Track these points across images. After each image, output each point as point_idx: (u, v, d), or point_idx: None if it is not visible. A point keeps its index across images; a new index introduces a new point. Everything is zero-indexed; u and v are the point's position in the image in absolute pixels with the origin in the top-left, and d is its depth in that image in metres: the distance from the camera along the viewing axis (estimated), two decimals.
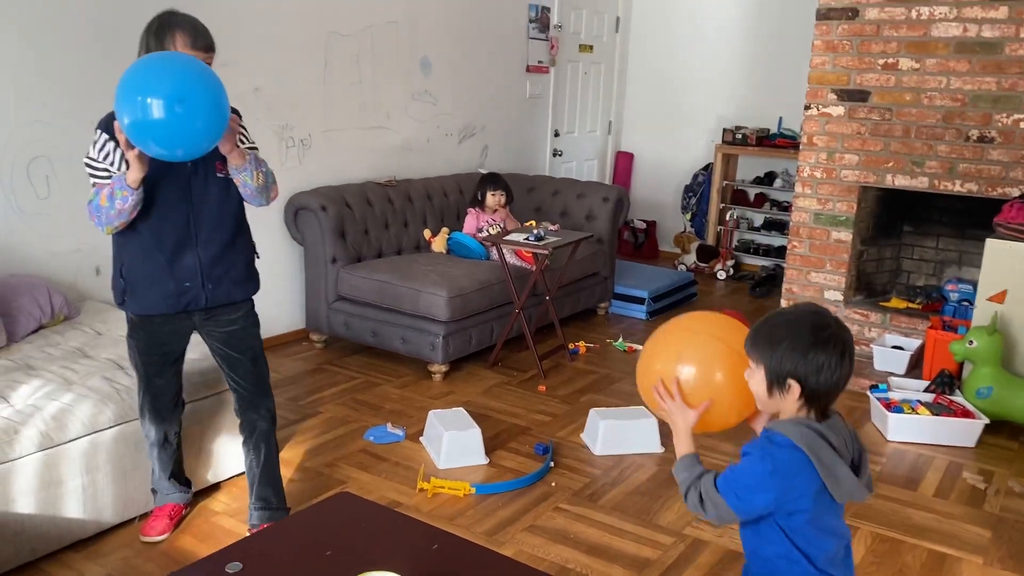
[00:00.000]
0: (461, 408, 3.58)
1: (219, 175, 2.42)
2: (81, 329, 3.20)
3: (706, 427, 1.70)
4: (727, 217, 6.85)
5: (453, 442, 3.26)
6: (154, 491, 2.75)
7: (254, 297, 2.65)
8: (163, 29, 2.29)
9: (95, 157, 2.32)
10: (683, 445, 1.66)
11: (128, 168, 2.21)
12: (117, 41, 3.57)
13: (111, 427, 2.63)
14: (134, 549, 2.64)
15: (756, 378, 1.57)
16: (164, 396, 2.61)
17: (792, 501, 1.52)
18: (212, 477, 3.01)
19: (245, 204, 2.52)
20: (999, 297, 3.89)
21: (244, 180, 2.39)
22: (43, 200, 3.46)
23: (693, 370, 1.66)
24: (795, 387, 1.52)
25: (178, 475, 2.77)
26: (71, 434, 2.52)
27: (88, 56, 3.50)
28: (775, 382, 1.54)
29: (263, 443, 2.68)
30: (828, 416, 1.58)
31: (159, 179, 2.33)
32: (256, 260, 2.64)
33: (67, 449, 2.52)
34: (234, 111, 2.46)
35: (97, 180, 2.32)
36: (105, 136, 2.30)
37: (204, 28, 2.35)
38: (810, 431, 1.52)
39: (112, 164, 2.30)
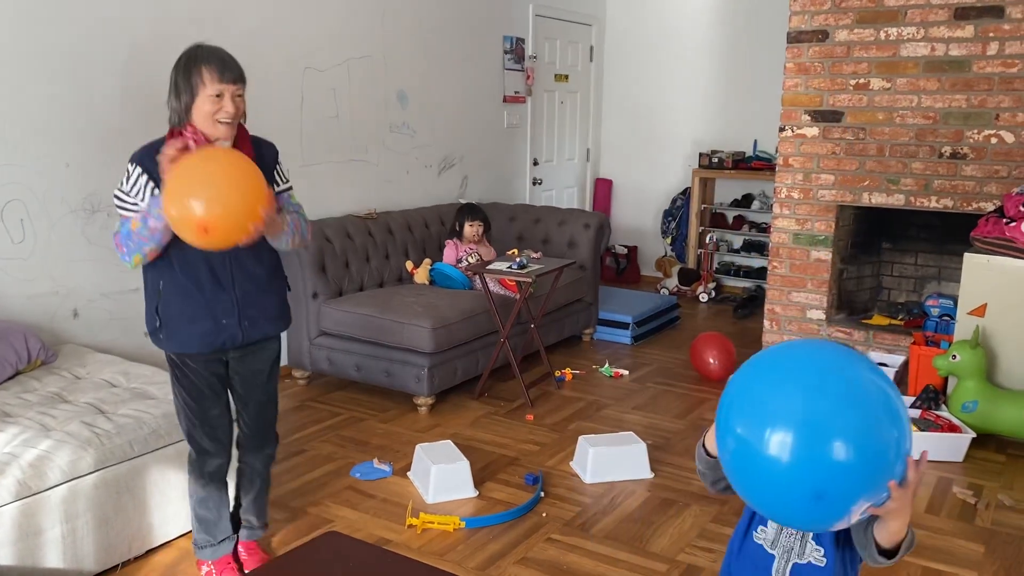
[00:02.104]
0: (448, 441, 3.54)
1: None
2: (59, 374, 3.14)
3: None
4: (707, 240, 6.89)
5: (441, 476, 3.22)
6: (208, 544, 2.62)
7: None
8: (190, 65, 2.27)
9: (126, 191, 2.30)
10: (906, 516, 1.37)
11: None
12: (89, 79, 3.56)
13: (91, 473, 2.57)
14: None
15: None
16: (221, 428, 2.55)
17: None
18: (162, 536, 2.89)
19: None
20: (979, 311, 3.92)
21: (279, 246, 2.43)
22: (18, 244, 3.41)
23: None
24: None
25: (234, 516, 2.72)
26: (50, 481, 2.47)
27: (59, 95, 3.47)
28: None
29: (258, 480, 2.70)
30: None
31: None
32: (288, 293, 2.65)
33: (46, 497, 2.46)
34: (268, 148, 2.52)
35: (124, 212, 2.30)
36: (139, 170, 2.27)
37: (232, 59, 2.32)
38: None
39: (143, 200, 2.28)
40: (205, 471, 2.55)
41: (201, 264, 2.36)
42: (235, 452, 2.70)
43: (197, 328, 2.39)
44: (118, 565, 2.70)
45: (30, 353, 3.17)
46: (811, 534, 1.46)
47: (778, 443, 1.22)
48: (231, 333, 2.43)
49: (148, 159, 2.26)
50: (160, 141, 2.30)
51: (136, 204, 2.28)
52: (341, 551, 1.86)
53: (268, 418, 2.66)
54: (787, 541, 1.50)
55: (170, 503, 2.80)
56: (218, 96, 2.26)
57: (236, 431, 2.65)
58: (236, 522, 2.73)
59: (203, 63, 2.26)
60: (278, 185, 2.47)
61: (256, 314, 2.47)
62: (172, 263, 2.35)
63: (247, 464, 2.68)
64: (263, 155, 2.44)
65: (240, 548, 2.74)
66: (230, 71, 2.29)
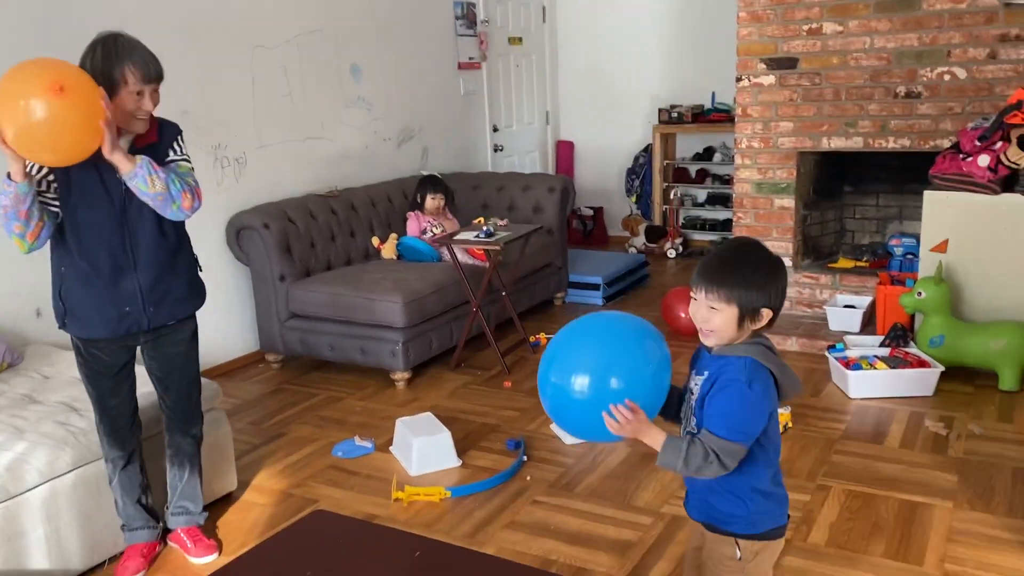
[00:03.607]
0: (429, 413, 3.54)
1: None
2: (27, 375, 3.09)
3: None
4: (671, 196, 6.91)
5: (424, 448, 3.23)
6: (124, 528, 2.67)
7: (200, 321, 2.63)
8: (110, 59, 2.21)
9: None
10: (657, 438, 1.62)
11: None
12: None
13: (70, 471, 2.55)
14: None
15: (724, 315, 1.61)
16: (120, 416, 2.55)
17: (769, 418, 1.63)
18: None
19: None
20: (941, 247, 3.98)
21: (138, 187, 2.26)
22: None
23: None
24: (767, 314, 1.62)
25: (146, 505, 2.69)
26: (28, 483, 2.44)
27: None
28: (749, 315, 1.61)
29: (187, 462, 2.71)
30: None
31: (92, 204, 2.28)
32: (200, 272, 2.61)
33: (26, 499, 2.43)
34: (169, 128, 2.42)
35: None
36: None
37: (152, 55, 2.29)
38: (765, 348, 1.64)
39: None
40: (107, 457, 2.58)
41: (100, 248, 2.32)
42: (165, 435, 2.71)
43: (100, 315, 2.38)
44: (104, 562, 2.69)
45: None
46: (694, 405, 1.69)
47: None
48: (135, 320, 2.41)
49: None
50: None
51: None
52: (329, 529, 1.86)
53: (193, 399, 2.66)
54: (685, 411, 1.74)
55: (152, 492, 2.77)
56: (139, 94, 2.25)
57: (161, 415, 2.66)
58: (156, 515, 2.72)
59: (127, 60, 2.22)
60: (168, 156, 2.40)
61: (161, 297, 2.44)
62: (70, 248, 2.32)
63: (175, 446, 2.68)
64: (164, 133, 2.42)
65: (183, 535, 2.73)
66: (154, 69, 2.28)
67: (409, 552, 1.70)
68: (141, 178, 2.25)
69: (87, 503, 2.60)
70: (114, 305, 2.37)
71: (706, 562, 1.76)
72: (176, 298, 2.48)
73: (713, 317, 1.62)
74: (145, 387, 2.75)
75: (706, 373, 1.66)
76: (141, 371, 2.63)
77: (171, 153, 2.42)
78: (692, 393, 1.70)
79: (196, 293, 2.58)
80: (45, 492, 2.48)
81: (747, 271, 1.62)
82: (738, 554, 1.69)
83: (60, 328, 2.45)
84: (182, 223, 2.48)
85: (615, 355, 1.64)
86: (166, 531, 2.77)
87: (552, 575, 1.69)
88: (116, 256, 2.34)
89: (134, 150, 2.31)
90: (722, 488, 1.67)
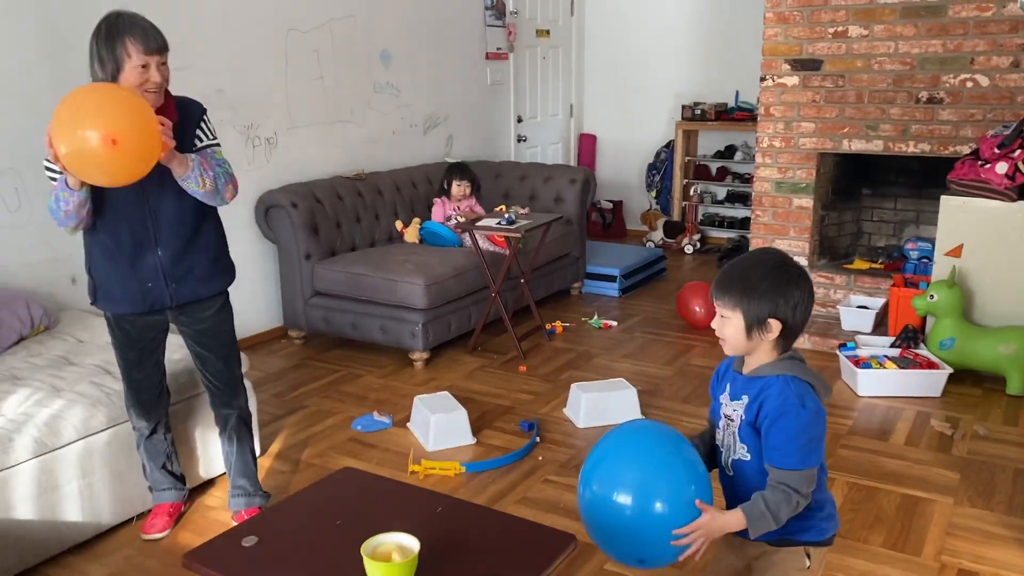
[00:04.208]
0: (446, 392, 3.65)
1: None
2: (62, 338, 3.21)
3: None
4: (691, 192, 6.98)
5: (440, 424, 3.33)
6: (151, 489, 2.79)
7: (232, 296, 2.68)
8: (112, 36, 2.25)
9: (51, 159, 2.31)
10: (735, 520, 1.59)
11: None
12: (80, 50, 3.57)
13: (104, 430, 2.67)
14: (135, 548, 2.68)
15: (732, 324, 1.63)
16: (145, 389, 2.65)
17: None
18: (205, 474, 3.05)
19: None
20: (956, 251, 4.04)
21: (189, 187, 2.37)
22: (14, 212, 3.46)
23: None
24: (776, 326, 1.61)
25: (171, 471, 2.81)
26: (65, 439, 2.56)
27: (51, 66, 3.49)
28: (755, 325, 1.61)
29: (235, 435, 2.77)
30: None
31: None
32: (227, 254, 2.65)
33: (62, 454, 2.56)
34: (193, 107, 2.48)
35: (55, 182, 2.34)
36: None
37: (154, 28, 2.30)
38: (800, 363, 1.64)
39: None
40: (134, 425, 2.69)
41: (122, 225, 2.39)
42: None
43: (124, 290, 2.46)
44: (132, 518, 2.81)
45: (33, 319, 3.24)
46: (737, 433, 1.66)
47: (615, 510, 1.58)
48: (158, 296, 2.48)
49: None
50: None
51: (62, 172, 2.27)
52: (357, 484, 1.97)
53: (231, 372, 2.71)
54: (725, 439, 1.71)
55: (181, 456, 2.89)
56: (144, 67, 2.27)
57: (207, 393, 2.75)
58: (182, 479, 2.85)
59: (127, 35, 2.24)
60: (201, 141, 2.46)
61: (183, 275, 2.49)
62: (96, 225, 2.39)
63: (222, 419, 2.76)
64: (189, 113, 2.45)
65: (245, 516, 2.79)
66: (155, 41, 2.28)
67: (432, 508, 1.80)
68: (193, 179, 2.35)
69: (119, 461, 2.72)
70: (137, 280, 2.45)
71: None
72: (198, 277, 2.53)
73: (724, 326, 1.64)
74: (175, 354, 2.88)
75: (745, 398, 1.64)
76: (173, 340, 2.74)
77: (202, 136, 2.46)
78: (730, 420, 1.68)
79: (222, 272, 2.61)
80: (80, 448, 2.61)
81: (753, 280, 1.61)
82: (807, 563, 1.69)
83: (92, 304, 2.55)
84: (204, 204, 2.51)
85: (658, 485, 1.58)
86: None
87: (568, 535, 1.77)
88: (136, 232, 2.41)
89: None
90: None
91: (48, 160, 2.32)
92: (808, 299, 1.63)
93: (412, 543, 1.56)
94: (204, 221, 2.53)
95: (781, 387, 1.60)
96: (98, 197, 2.36)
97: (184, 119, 2.42)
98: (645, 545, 1.59)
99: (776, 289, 1.60)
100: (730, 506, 1.69)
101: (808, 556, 1.70)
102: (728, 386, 1.71)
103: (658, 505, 1.56)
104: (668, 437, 1.65)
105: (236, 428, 2.76)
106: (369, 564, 1.52)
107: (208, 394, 2.75)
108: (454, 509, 1.81)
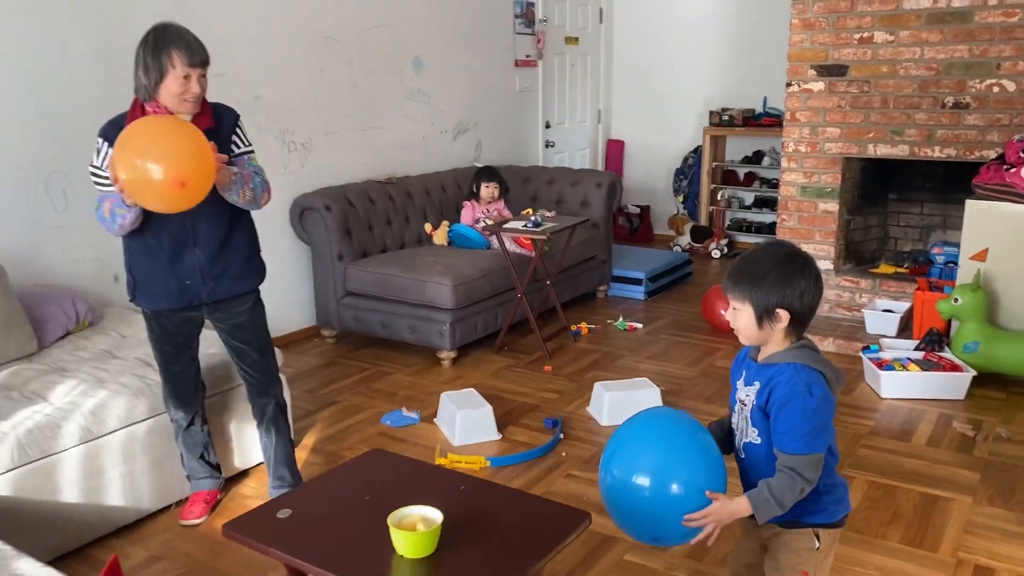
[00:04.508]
0: (472, 389, 3.74)
1: None
2: (106, 333, 3.35)
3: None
4: (718, 197, 7.02)
5: (467, 420, 3.42)
6: (189, 477, 2.92)
7: (266, 296, 2.81)
8: (159, 46, 2.39)
9: (98, 165, 2.46)
10: (743, 506, 1.67)
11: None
12: (126, 59, 3.72)
13: (145, 419, 2.80)
14: (174, 532, 2.81)
15: (743, 315, 1.70)
16: (181, 382, 2.77)
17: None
18: (240, 464, 3.17)
19: None
20: (981, 255, 4.05)
21: (231, 198, 2.52)
22: (61, 213, 3.62)
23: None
24: (784, 315, 1.67)
25: (208, 461, 2.93)
26: (109, 427, 2.69)
27: (98, 71, 3.65)
28: (764, 315, 1.68)
29: (273, 426, 2.88)
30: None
31: None
32: (259, 253, 2.77)
33: (106, 441, 2.69)
34: (228, 114, 2.60)
35: (101, 188, 2.47)
36: (107, 144, 2.42)
37: (198, 42, 2.45)
38: (811, 351, 1.70)
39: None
40: (171, 417, 2.82)
41: (162, 226, 2.51)
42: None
43: (163, 287, 2.58)
44: (171, 505, 2.94)
45: (78, 315, 3.39)
46: (749, 417, 1.74)
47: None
48: (195, 292, 2.61)
49: (113, 132, 2.38)
50: (124, 115, 2.47)
51: (109, 177, 2.38)
52: (386, 464, 2.07)
53: (267, 363, 2.82)
54: (739, 423, 1.78)
55: (216, 447, 3.01)
56: (186, 78, 2.41)
57: (245, 385, 2.86)
58: (218, 468, 2.97)
59: (172, 46, 2.38)
60: (238, 147, 2.59)
61: (220, 273, 2.61)
62: (138, 227, 2.51)
63: (259, 409, 2.87)
64: (223, 120, 2.56)
65: None
66: (199, 55, 2.42)
67: (456, 486, 1.89)
68: (235, 191, 2.51)
69: (159, 449, 2.85)
70: (175, 278, 2.58)
71: (780, 558, 1.79)
72: (233, 276, 2.65)
73: (736, 317, 1.71)
74: (210, 349, 3.00)
75: (757, 383, 1.71)
76: (207, 336, 2.87)
77: (239, 143, 2.60)
78: (743, 404, 1.75)
79: (254, 272, 2.74)
80: (123, 436, 2.74)
81: (761, 271, 1.67)
82: (817, 544, 1.75)
83: (130, 300, 2.68)
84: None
85: (672, 466, 1.67)
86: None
87: (583, 512, 1.86)
88: (176, 233, 2.54)
89: None
90: None
91: (95, 167, 2.45)
92: (815, 287, 1.69)
93: (436, 515, 1.67)
94: (238, 223, 2.67)
95: (791, 375, 1.67)
96: None
97: (219, 123, 2.55)
98: (659, 525, 1.68)
99: (783, 279, 1.66)
100: (745, 486, 1.77)
101: (817, 537, 1.77)
102: (744, 372, 1.79)
103: (673, 488, 1.65)
104: (686, 424, 1.74)
105: (274, 418, 2.86)
106: (395, 533, 1.62)
107: (246, 386, 2.86)
108: (476, 488, 1.91)
